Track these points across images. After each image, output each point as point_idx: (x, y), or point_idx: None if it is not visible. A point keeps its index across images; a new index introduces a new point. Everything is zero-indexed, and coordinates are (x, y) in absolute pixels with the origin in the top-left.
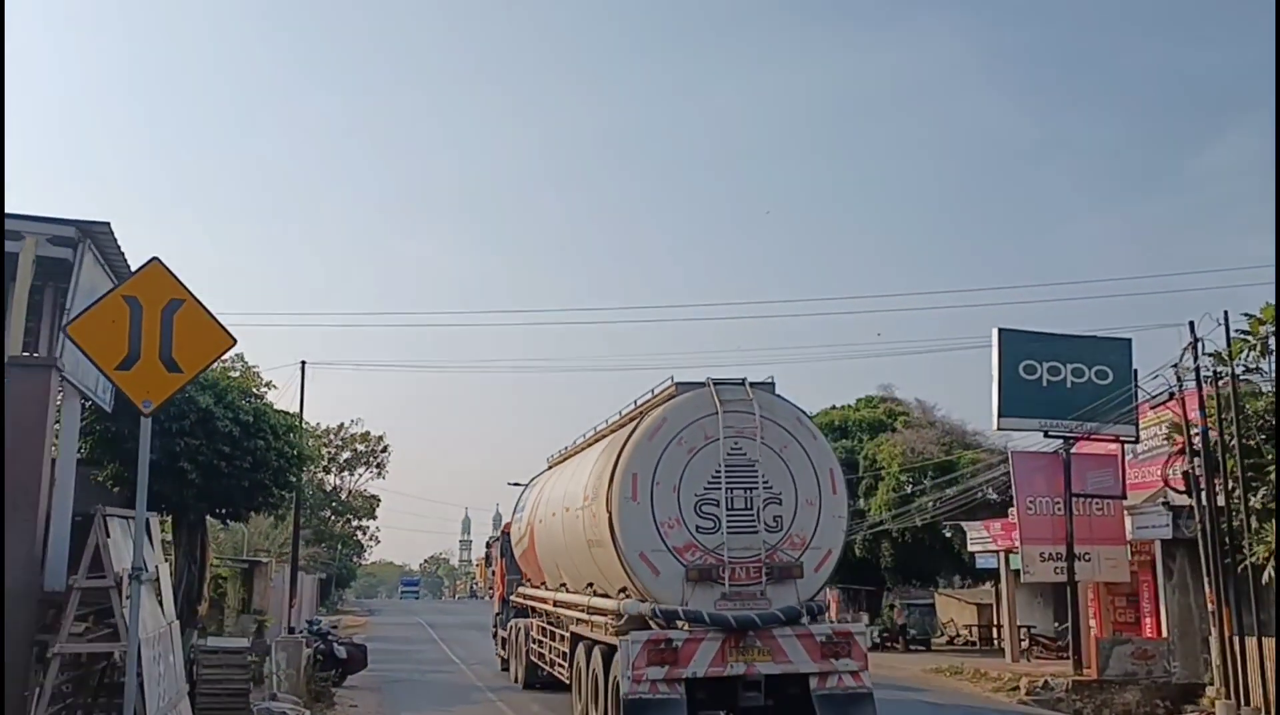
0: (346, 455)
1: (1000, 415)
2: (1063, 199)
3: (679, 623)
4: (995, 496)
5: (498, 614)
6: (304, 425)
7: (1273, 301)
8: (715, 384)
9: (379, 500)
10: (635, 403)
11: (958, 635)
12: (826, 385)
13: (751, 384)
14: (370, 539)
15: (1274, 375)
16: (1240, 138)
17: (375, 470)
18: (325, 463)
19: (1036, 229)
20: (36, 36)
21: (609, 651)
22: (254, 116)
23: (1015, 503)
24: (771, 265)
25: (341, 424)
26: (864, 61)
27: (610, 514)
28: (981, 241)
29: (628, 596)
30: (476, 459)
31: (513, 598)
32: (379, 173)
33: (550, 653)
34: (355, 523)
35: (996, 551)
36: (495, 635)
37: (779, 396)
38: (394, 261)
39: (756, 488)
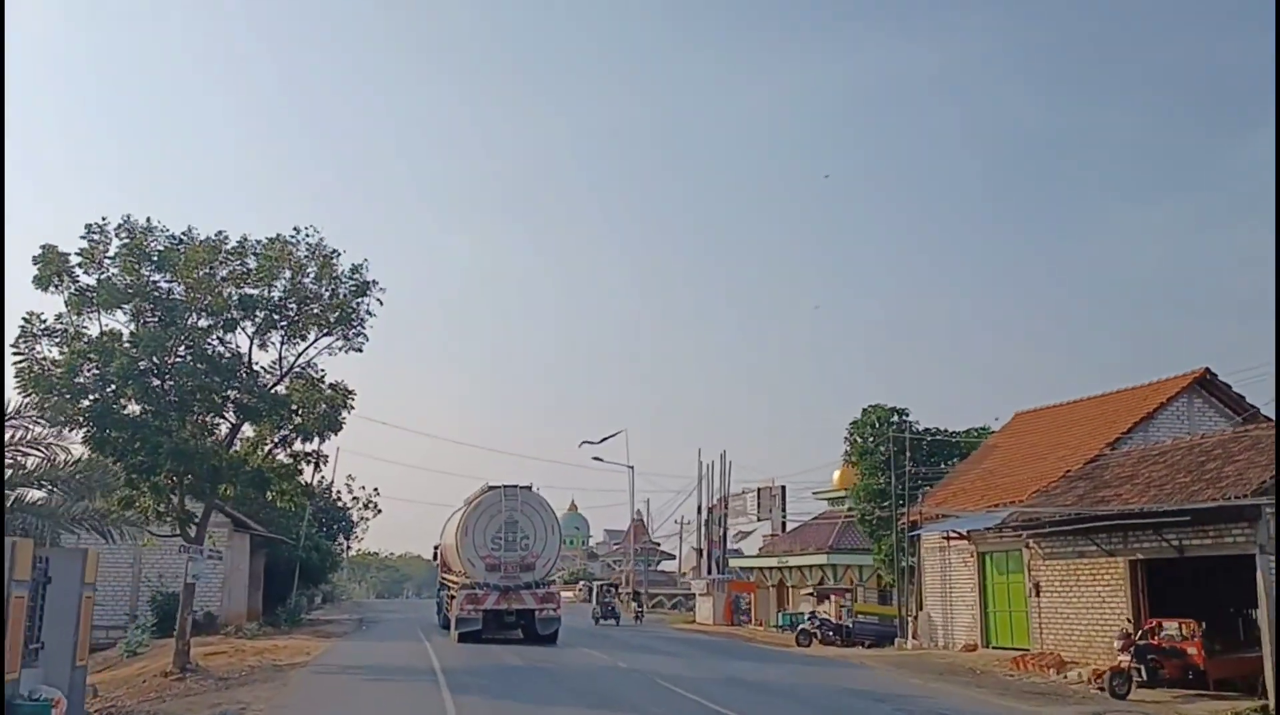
0: (280, 292)
1: None
2: (1094, 193)
3: (482, 587)
4: None
5: (439, 590)
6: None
7: None
8: (504, 487)
9: (351, 394)
10: (483, 488)
11: None
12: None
13: (520, 487)
14: (365, 505)
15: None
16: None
17: (342, 338)
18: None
19: (1069, 222)
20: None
21: (455, 599)
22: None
23: None
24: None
25: (279, 235)
26: (889, 58)
27: (457, 542)
28: (1014, 233)
29: (464, 576)
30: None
31: (439, 579)
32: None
33: (449, 604)
34: (302, 445)
35: None
36: (437, 600)
37: (533, 492)
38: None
39: (517, 533)
